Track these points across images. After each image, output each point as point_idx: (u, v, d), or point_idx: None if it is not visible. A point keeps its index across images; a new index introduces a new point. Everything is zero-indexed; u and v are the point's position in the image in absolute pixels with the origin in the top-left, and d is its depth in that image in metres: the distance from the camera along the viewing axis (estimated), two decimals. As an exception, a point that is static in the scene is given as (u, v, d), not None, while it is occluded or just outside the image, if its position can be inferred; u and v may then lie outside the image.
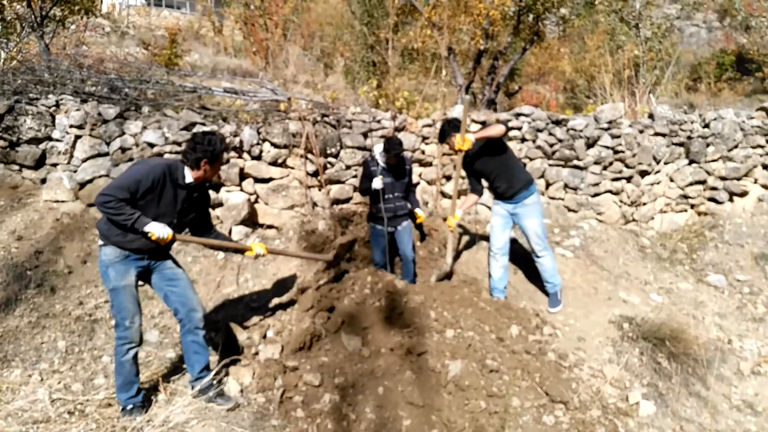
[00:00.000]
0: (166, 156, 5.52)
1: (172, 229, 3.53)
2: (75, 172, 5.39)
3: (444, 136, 4.93)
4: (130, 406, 3.50)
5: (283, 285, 5.14)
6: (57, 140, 5.38)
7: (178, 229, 3.64)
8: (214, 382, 3.74)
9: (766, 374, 4.62)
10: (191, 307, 3.68)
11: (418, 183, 6.60)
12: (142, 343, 3.62)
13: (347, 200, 6.33)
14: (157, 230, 3.33)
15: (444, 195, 6.67)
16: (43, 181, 5.39)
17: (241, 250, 4.07)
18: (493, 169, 4.87)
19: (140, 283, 3.62)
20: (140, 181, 3.32)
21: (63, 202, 5.28)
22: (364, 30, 11.45)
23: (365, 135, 6.36)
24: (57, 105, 5.46)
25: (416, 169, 6.61)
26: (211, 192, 5.31)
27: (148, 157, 5.30)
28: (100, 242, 3.45)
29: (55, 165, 5.40)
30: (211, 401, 3.63)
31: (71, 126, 5.36)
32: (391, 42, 7.95)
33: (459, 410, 3.64)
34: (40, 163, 5.37)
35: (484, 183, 5.10)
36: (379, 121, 6.41)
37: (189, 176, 3.55)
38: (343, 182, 6.30)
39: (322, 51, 13.91)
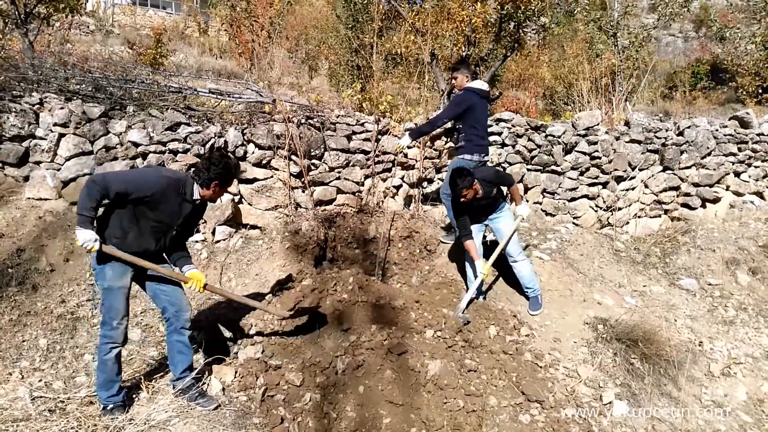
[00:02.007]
0: (150, 156, 5.55)
1: (165, 239, 3.60)
2: (58, 170, 5.38)
3: (463, 187, 4.68)
4: (110, 406, 3.50)
5: (265, 284, 5.18)
6: (41, 138, 5.35)
7: (167, 241, 3.65)
8: (196, 382, 3.76)
9: (736, 375, 4.73)
10: (179, 307, 3.71)
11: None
12: (125, 344, 3.63)
13: (330, 201, 6.38)
14: (82, 237, 3.22)
15: (426, 198, 6.76)
16: (26, 178, 5.35)
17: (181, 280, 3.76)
18: (493, 202, 5.06)
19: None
20: (141, 185, 3.33)
21: (46, 200, 5.26)
22: (349, 34, 11.51)
23: (349, 138, 6.42)
24: (41, 103, 5.43)
25: (398, 173, 6.69)
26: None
27: (160, 166, 5.29)
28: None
29: (38, 163, 5.37)
30: (194, 401, 3.65)
31: (55, 124, 5.34)
32: (375, 46, 8.03)
33: (438, 409, 3.72)
34: (23, 160, 5.34)
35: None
36: (362, 125, 6.48)
37: (197, 193, 3.57)
38: (326, 184, 6.35)
39: (307, 54, 13.94)
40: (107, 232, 3.42)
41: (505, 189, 5.42)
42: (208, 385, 3.84)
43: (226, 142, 5.83)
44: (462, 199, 4.74)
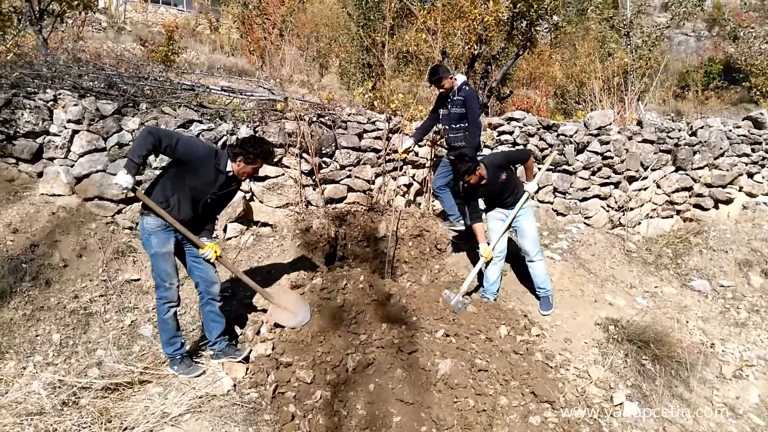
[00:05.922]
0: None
1: (200, 208, 3.93)
2: (72, 166, 5.40)
3: (464, 173, 4.69)
4: (177, 357, 3.96)
5: (277, 282, 5.20)
6: (54, 134, 5.38)
7: (201, 210, 3.97)
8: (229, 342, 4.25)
9: (748, 378, 4.71)
10: (211, 281, 4.09)
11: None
12: (179, 303, 4.03)
13: (341, 200, 6.38)
14: (119, 178, 3.50)
15: (436, 197, 6.74)
16: (40, 174, 5.39)
17: (195, 243, 4.00)
18: (504, 188, 4.97)
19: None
20: (188, 146, 3.71)
21: (59, 196, 5.30)
22: (360, 32, 11.51)
23: (360, 136, 6.43)
24: (55, 99, 5.46)
25: (409, 171, 6.68)
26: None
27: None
28: (143, 210, 3.83)
29: (52, 159, 5.40)
30: (227, 356, 4.11)
31: (69, 121, 5.37)
32: (386, 45, 8.02)
33: (448, 408, 3.71)
34: (37, 156, 5.38)
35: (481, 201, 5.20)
36: (374, 123, 6.48)
37: (229, 166, 3.88)
38: (337, 182, 6.35)
39: (318, 51, 13.94)
40: (153, 197, 3.77)
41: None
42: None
43: (238, 139, 5.84)
44: (465, 185, 4.84)
